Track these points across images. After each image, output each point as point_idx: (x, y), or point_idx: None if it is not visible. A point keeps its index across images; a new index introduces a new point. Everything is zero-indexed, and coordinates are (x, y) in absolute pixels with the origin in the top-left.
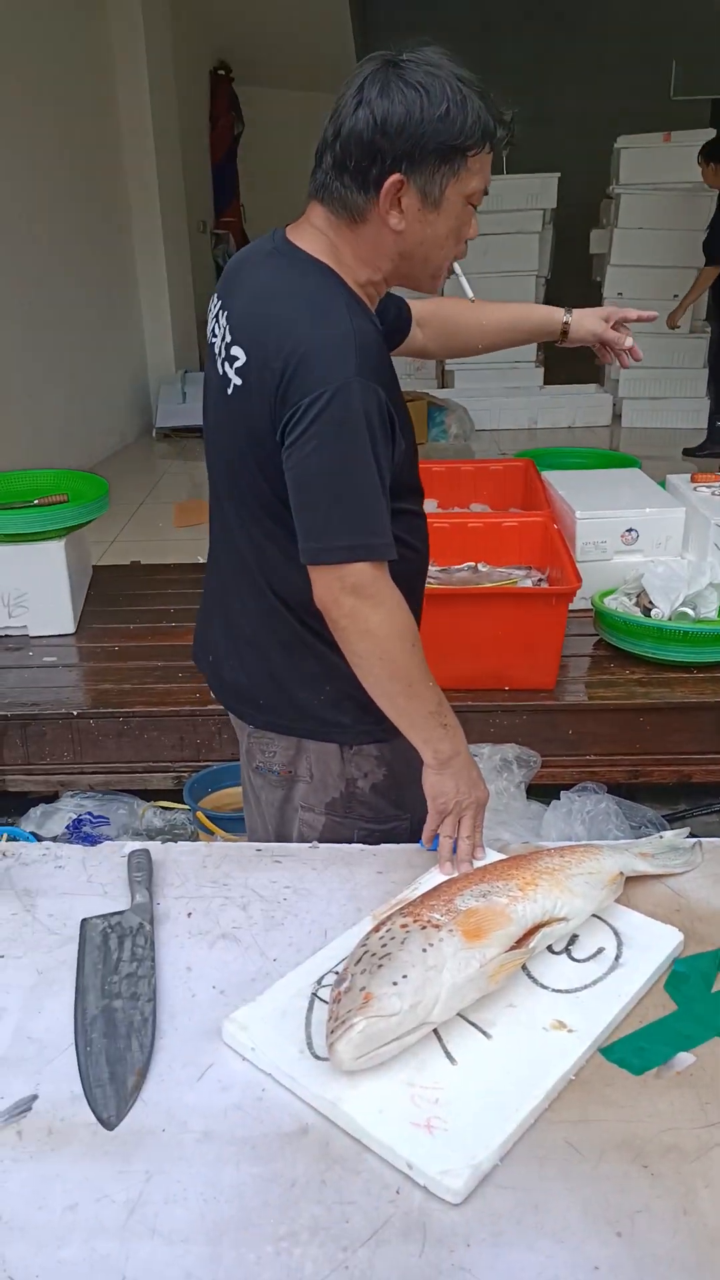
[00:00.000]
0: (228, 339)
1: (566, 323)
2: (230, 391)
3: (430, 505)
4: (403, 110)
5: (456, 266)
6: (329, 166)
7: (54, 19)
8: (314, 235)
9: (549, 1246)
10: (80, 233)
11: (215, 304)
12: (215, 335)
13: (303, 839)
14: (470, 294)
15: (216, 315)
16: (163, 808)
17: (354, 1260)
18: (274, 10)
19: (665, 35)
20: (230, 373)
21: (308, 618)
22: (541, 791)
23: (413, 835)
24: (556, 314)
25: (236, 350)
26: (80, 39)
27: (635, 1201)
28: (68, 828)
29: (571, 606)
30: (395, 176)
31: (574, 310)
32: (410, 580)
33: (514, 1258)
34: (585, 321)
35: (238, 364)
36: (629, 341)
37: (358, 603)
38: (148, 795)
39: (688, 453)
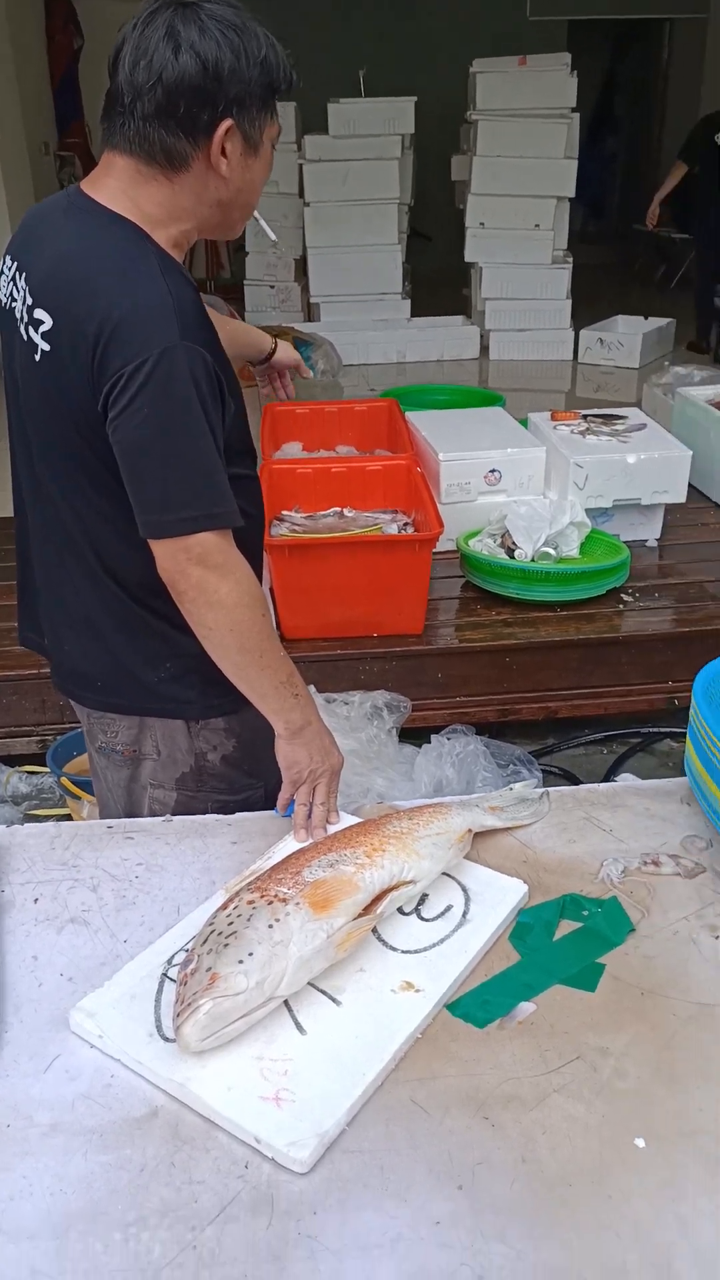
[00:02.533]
0: (29, 301)
1: (273, 350)
2: (38, 358)
3: (295, 448)
4: (230, 54)
5: (255, 211)
6: (146, 114)
7: None
8: (114, 190)
9: (393, 1207)
10: None
11: (9, 264)
12: (15, 299)
13: (154, 815)
14: (272, 236)
15: (13, 277)
16: (29, 773)
17: (201, 1239)
18: None
19: None
20: (36, 338)
21: (145, 595)
22: (414, 734)
23: (267, 802)
24: (266, 341)
25: (41, 314)
26: None
27: (476, 1154)
28: None
29: (438, 548)
30: (227, 122)
31: (279, 342)
32: (249, 545)
33: (359, 1221)
34: (285, 353)
35: (43, 328)
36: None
37: (205, 573)
38: (11, 761)
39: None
